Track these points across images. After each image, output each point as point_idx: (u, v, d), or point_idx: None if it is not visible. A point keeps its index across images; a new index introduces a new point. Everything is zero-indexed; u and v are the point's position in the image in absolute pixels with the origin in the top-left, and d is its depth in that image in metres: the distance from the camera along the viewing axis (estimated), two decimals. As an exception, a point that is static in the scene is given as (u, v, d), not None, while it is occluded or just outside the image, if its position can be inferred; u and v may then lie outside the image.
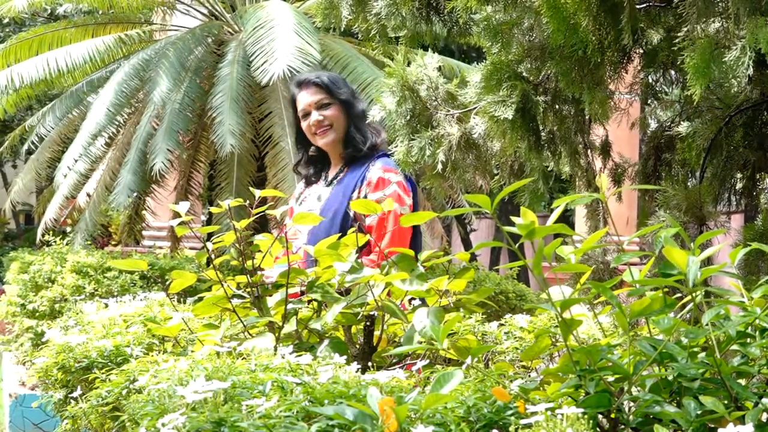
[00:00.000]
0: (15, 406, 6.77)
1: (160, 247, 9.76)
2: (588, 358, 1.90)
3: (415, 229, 3.73)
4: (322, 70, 5.94)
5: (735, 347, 1.93)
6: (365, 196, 3.66)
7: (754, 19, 2.64)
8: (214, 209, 2.95)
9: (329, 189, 3.82)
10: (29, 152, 11.37)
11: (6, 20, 16.07)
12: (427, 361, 2.53)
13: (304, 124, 3.85)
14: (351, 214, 3.60)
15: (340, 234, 2.78)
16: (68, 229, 11.23)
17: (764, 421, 1.80)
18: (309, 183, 3.93)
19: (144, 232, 10.69)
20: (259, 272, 2.75)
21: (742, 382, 1.93)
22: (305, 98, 3.85)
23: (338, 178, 3.82)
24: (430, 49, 3.80)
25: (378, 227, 3.59)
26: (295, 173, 4.07)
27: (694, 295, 1.90)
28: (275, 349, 2.48)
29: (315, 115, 3.80)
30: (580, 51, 3.11)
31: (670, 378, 1.90)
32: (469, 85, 3.60)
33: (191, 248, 9.87)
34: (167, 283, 2.90)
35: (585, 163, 3.68)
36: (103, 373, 2.73)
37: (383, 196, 3.61)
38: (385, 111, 3.67)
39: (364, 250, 3.49)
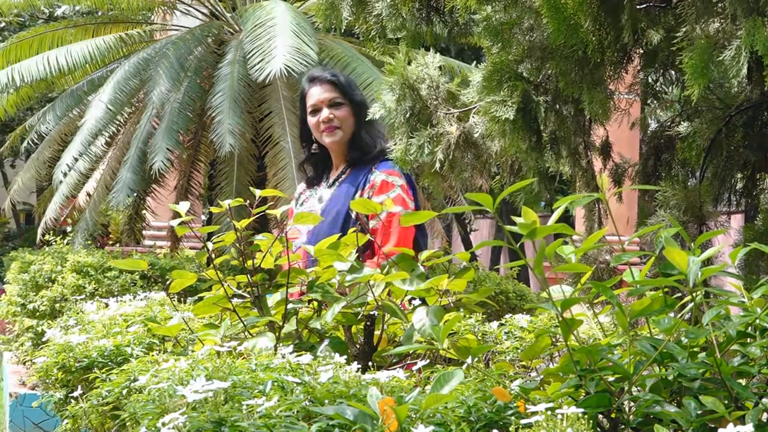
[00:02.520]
0: (15, 406, 6.77)
1: (161, 247, 9.76)
2: (588, 358, 1.90)
3: (421, 230, 3.71)
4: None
5: (735, 347, 1.93)
6: (368, 199, 3.59)
7: (752, 19, 2.64)
8: (214, 209, 2.95)
9: (331, 190, 3.78)
10: (29, 151, 11.37)
11: (2, 24, 16.07)
12: (427, 360, 2.54)
13: (312, 120, 3.78)
14: (353, 215, 3.58)
15: (340, 234, 2.78)
16: (68, 228, 11.23)
17: (764, 421, 1.80)
18: (311, 184, 3.90)
19: (144, 232, 10.69)
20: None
21: (743, 382, 1.93)
22: (318, 94, 3.77)
23: (340, 179, 3.78)
24: (431, 49, 3.79)
25: (382, 230, 3.57)
26: (300, 171, 4.02)
27: (694, 295, 1.91)
28: (275, 348, 2.48)
29: (326, 113, 3.73)
30: (580, 51, 3.11)
31: (671, 378, 1.90)
32: (470, 84, 3.60)
33: (191, 248, 9.86)
34: (167, 282, 2.90)
35: (585, 164, 3.68)
36: (103, 373, 2.73)
37: (387, 199, 3.52)
38: (385, 108, 3.67)
39: (367, 252, 3.49)
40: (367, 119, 3.74)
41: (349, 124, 3.76)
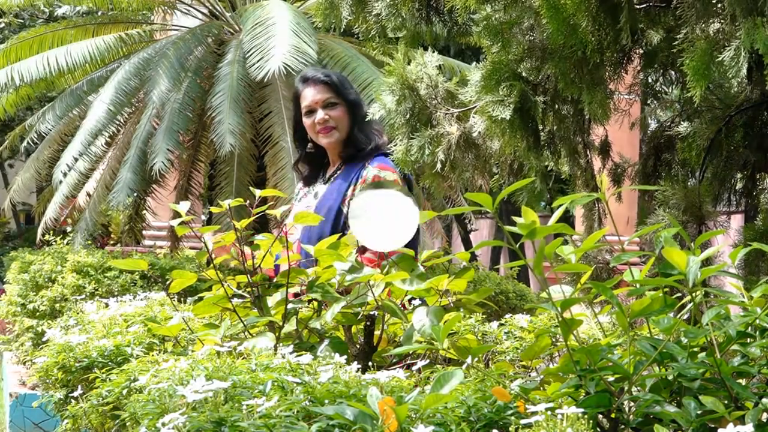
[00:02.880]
0: (15, 406, 6.77)
1: (161, 247, 9.76)
2: (588, 358, 1.90)
3: None
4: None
5: (735, 347, 1.93)
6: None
7: (751, 19, 2.64)
8: (214, 209, 2.95)
9: (326, 186, 3.79)
10: (29, 151, 11.37)
11: (2, 24, 16.09)
12: (427, 360, 2.54)
13: (307, 121, 3.77)
14: (345, 211, 3.58)
15: (340, 234, 2.77)
16: (68, 228, 11.23)
17: (764, 421, 1.80)
18: (308, 182, 3.90)
19: (144, 232, 10.69)
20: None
21: (742, 382, 1.93)
22: (312, 95, 3.75)
23: (335, 175, 3.78)
24: (429, 49, 3.79)
25: None
26: (294, 171, 4.03)
27: (694, 295, 1.91)
28: (275, 348, 2.48)
29: (321, 114, 3.71)
30: (579, 51, 3.11)
31: (670, 378, 1.90)
32: (468, 84, 3.60)
33: (191, 248, 9.86)
34: (167, 282, 2.90)
35: (584, 163, 3.68)
36: (103, 373, 2.73)
37: None
38: (385, 109, 3.67)
39: (359, 248, 3.48)
40: (366, 119, 3.74)
41: (344, 124, 3.75)
